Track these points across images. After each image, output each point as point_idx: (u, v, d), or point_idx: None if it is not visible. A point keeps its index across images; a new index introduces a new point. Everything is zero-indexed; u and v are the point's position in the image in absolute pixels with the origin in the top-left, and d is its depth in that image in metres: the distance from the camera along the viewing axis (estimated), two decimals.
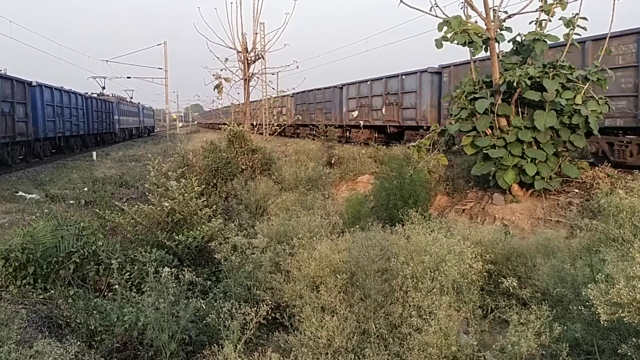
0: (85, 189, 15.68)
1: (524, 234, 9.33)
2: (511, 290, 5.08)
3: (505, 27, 10.51)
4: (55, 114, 28.07)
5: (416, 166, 11.47)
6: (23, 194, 14.71)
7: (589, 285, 4.07)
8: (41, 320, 5.77)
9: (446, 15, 10.24)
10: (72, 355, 4.35)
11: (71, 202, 13.37)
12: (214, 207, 9.34)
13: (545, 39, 10.07)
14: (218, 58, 19.82)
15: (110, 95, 48.41)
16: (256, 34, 20.81)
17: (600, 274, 4.21)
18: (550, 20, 10.33)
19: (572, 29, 10.26)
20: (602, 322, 3.83)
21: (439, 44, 10.32)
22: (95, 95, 41.70)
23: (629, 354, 3.69)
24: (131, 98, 58.69)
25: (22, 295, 6.31)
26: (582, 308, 4.27)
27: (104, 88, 50.28)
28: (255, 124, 21.89)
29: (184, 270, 5.71)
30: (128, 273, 6.59)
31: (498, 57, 10.69)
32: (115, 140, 45.11)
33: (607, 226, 7.28)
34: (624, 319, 3.66)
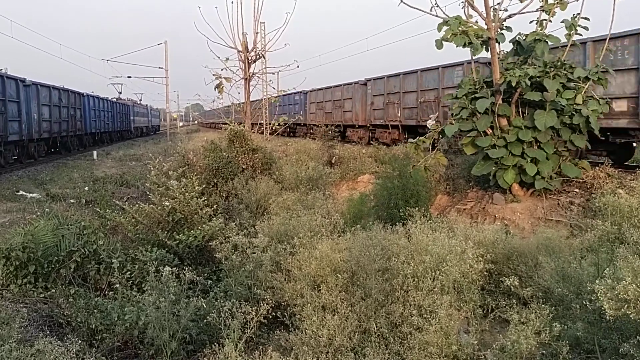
0: (86, 188, 15.69)
1: (524, 233, 9.33)
2: (512, 290, 5.08)
3: (506, 26, 10.51)
4: (96, 116, 38.05)
5: (415, 164, 11.47)
6: (24, 193, 14.72)
7: (597, 280, 4.07)
8: (42, 319, 5.78)
9: (446, 15, 10.24)
10: (72, 354, 4.35)
11: (72, 201, 13.38)
12: (214, 206, 9.36)
13: (547, 40, 10.06)
14: (218, 57, 19.82)
15: (126, 99, 57.39)
16: (257, 33, 20.81)
17: (607, 269, 4.20)
18: (550, 21, 10.33)
19: (573, 30, 10.25)
20: (607, 317, 3.83)
21: (439, 45, 10.31)
22: (115, 99, 50.17)
23: (631, 352, 3.69)
24: (140, 100, 67.59)
25: (23, 294, 6.31)
26: (587, 303, 4.26)
27: (120, 93, 58.12)
28: (256, 123, 21.91)
29: (185, 270, 5.72)
30: (129, 272, 6.60)
31: (498, 56, 10.69)
32: (130, 137, 53.91)
33: (606, 226, 7.29)
34: (630, 315, 3.66)
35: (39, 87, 24.78)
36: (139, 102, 65.19)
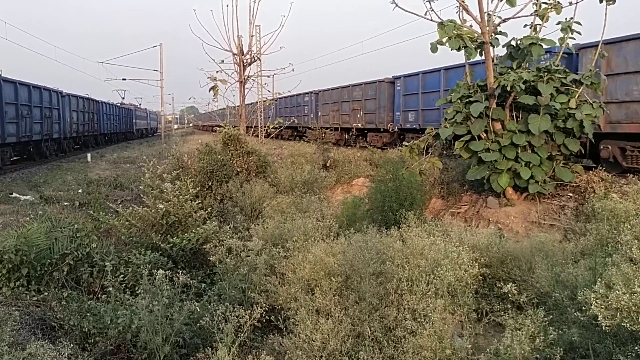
0: (80, 191, 15.63)
1: (518, 237, 9.35)
2: (510, 297, 5.07)
3: (500, 31, 10.55)
4: (108, 119, 45.18)
5: (409, 167, 11.48)
6: (17, 195, 14.64)
7: (588, 289, 4.07)
8: (34, 322, 5.74)
9: (441, 19, 10.27)
10: (65, 357, 4.33)
11: (65, 203, 13.32)
12: (208, 209, 9.33)
13: (542, 44, 10.12)
14: (214, 60, 19.83)
15: (129, 104, 63.39)
16: (252, 36, 20.82)
17: (601, 277, 4.21)
18: (545, 26, 10.39)
19: (567, 34, 10.30)
20: (603, 328, 3.82)
21: (434, 48, 10.33)
22: (119, 104, 56.01)
23: None
24: (140, 104, 73.82)
25: (15, 297, 6.27)
26: (579, 314, 4.26)
27: (123, 98, 63.16)
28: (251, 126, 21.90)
29: (179, 273, 5.70)
30: (122, 275, 6.56)
31: (493, 61, 10.73)
32: (133, 138, 60.46)
33: (602, 230, 7.31)
34: (626, 325, 3.66)
35: (70, 97, 32.33)
36: (139, 106, 71.54)
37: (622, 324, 3.67)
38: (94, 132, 39.64)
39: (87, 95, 37.67)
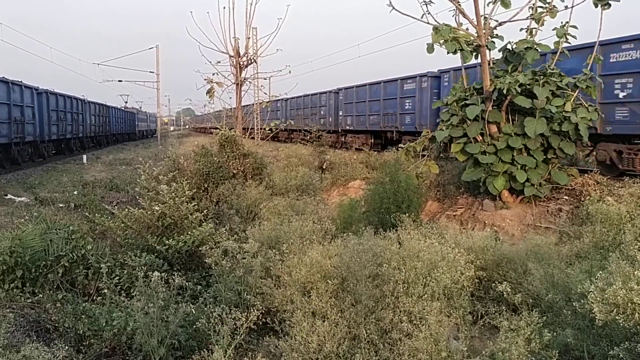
0: (75, 193, 15.57)
1: (513, 240, 9.37)
2: (502, 296, 5.09)
3: (496, 34, 10.60)
4: (116, 121, 52.47)
5: (405, 170, 11.50)
6: (12, 197, 14.58)
7: (588, 283, 4.09)
8: (29, 324, 5.71)
9: (437, 23, 10.31)
10: (60, 359, 4.31)
11: (61, 205, 13.26)
12: (204, 211, 9.30)
13: (537, 48, 10.16)
14: (210, 62, 19.83)
15: (131, 107, 70.79)
16: (248, 38, 20.84)
17: (599, 274, 4.22)
18: (540, 30, 10.45)
19: (562, 38, 10.35)
20: (597, 322, 3.85)
21: (430, 49, 10.39)
22: (123, 108, 63.10)
23: (620, 355, 3.72)
24: (140, 108, 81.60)
25: (10, 299, 6.24)
26: (577, 308, 4.28)
27: (126, 102, 70.39)
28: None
29: (174, 275, 5.67)
30: (117, 277, 6.53)
31: (489, 64, 10.76)
32: (135, 138, 65.86)
33: (596, 233, 7.34)
34: (620, 321, 3.69)
35: (90, 103, 39.45)
36: (140, 109, 78.60)
37: (616, 319, 3.69)
38: (106, 132, 46.83)
39: (103, 102, 44.68)
